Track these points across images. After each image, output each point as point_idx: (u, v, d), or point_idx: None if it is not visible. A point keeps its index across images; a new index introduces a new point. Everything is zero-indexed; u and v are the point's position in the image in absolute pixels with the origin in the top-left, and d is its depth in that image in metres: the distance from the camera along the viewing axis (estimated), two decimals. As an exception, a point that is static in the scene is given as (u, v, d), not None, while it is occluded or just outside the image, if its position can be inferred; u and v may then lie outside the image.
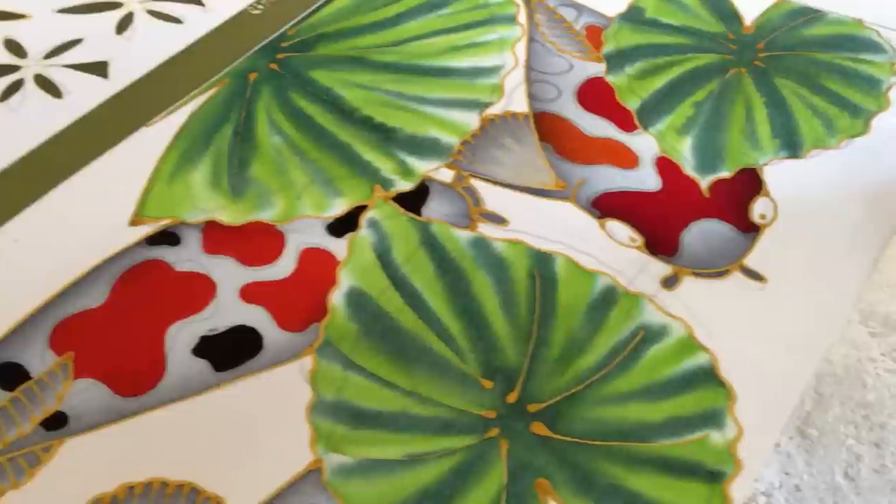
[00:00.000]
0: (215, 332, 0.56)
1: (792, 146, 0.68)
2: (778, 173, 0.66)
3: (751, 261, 0.60)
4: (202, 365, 0.55)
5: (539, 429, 0.52)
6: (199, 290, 0.59)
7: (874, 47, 0.76)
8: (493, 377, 0.54)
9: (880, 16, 0.78)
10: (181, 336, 0.56)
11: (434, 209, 0.64)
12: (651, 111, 0.71)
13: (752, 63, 0.75)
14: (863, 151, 0.67)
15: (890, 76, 0.73)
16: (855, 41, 0.76)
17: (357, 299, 0.58)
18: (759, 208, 0.64)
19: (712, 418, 0.52)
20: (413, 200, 0.64)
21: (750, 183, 0.65)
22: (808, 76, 0.73)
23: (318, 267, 0.60)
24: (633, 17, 0.79)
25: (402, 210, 0.64)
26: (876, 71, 0.74)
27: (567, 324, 0.57)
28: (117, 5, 0.82)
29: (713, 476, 0.50)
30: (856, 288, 0.59)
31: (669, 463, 0.50)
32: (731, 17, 0.78)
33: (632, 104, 0.71)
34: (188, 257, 0.61)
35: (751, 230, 0.62)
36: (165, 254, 0.61)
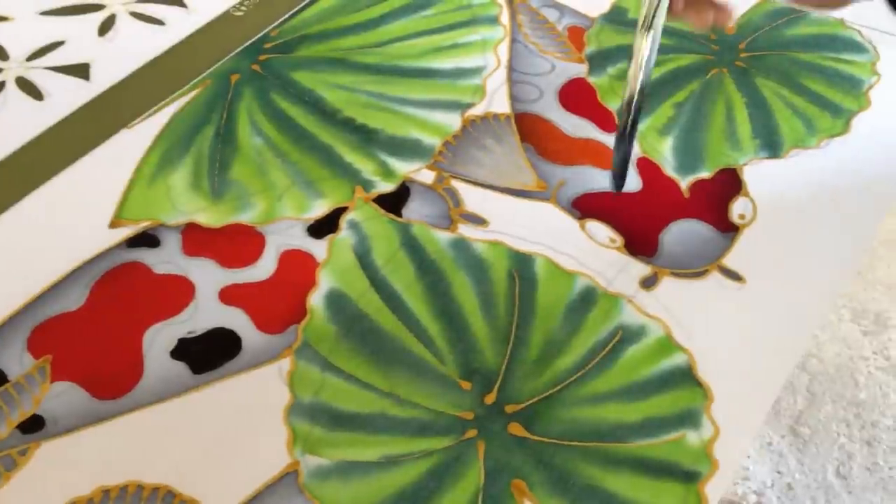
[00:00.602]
0: (194, 335, 0.56)
1: (772, 146, 0.68)
2: (757, 173, 0.66)
3: (729, 261, 0.60)
4: (180, 367, 0.55)
5: (516, 430, 0.52)
6: (177, 293, 0.59)
7: (856, 47, 0.76)
8: (471, 378, 0.54)
9: (862, 16, 0.78)
10: (159, 338, 0.56)
11: (415, 210, 0.64)
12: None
13: (733, 63, 0.75)
14: (843, 151, 0.67)
15: (871, 76, 0.73)
16: (836, 41, 0.76)
17: (336, 301, 0.58)
18: (738, 208, 0.64)
19: (689, 418, 0.52)
20: (394, 202, 0.65)
21: (729, 183, 0.66)
22: (790, 76, 0.73)
23: (297, 268, 0.60)
24: (615, 17, 0.80)
25: (382, 211, 0.64)
26: (857, 71, 0.74)
27: (546, 325, 0.57)
28: (100, 7, 0.81)
29: (689, 476, 0.50)
30: (833, 287, 0.59)
31: (646, 463, 0.50)
32: None
33: (613, 105, 0.72)
34: (167, 259, 0.60)
35: (730, 230, 0.62)
36: (145, 256, 0.61)
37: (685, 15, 0.54)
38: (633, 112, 0.56)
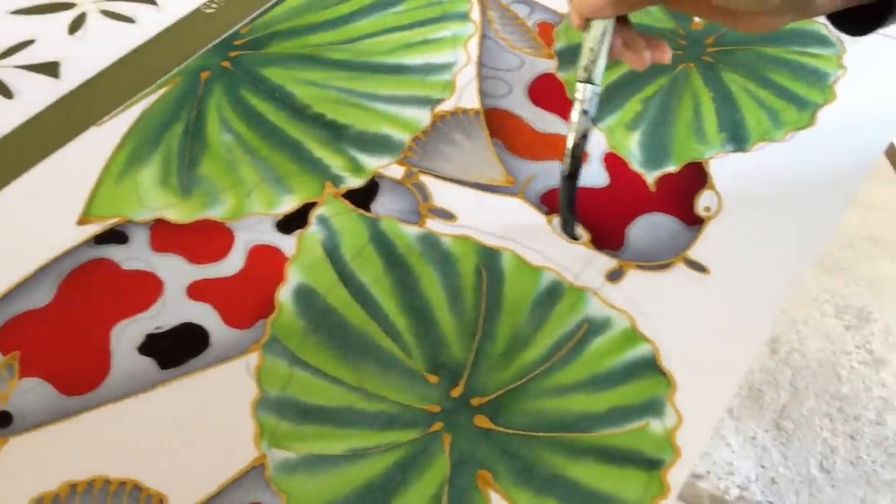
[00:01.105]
0: (161, 330, 0.57)
1: (738, 139, 0.69)
2: (723, 166, 0.67)
3: (694, 253, 0.61)
4: (147, 363, 0.55)
5: (482, 422, 0.53)
6: (145, 289, 0.59)
7: (822, 41, 0.77)
8: (438, 372, 0.55)
9: (827, 10, 0.78)
10: (127, 334, 0.56)
11: (383, 205, 0.64)
12: (601, 107, 0.71)
13: (700, 58, 0.75)
14: (808, 144, 0.68)
15: (837, 69, 0.74)
16: (803, 35, 0.77)
17: (305, 295, 0.58)
18: (703, 201, 0.64)
19: (652, 407, 0.53)
20: (363, 197, 0.65)
21: (695, 177, 0.66)
22: (756, 70, 0.74)
23: (266, 264, 0.60)
24: (584, 13, 0.80)
25: (351, 206, 0.64)
26: (823, 64, 0.75)
27: (512, 319, 0.57)
28: (70, 6, 0.81)
29: (652, 464, 0.50)
30: (795, 277, 0.59)
31: (609, 452, 0.51)
32: (682, 12, 0.79)
33: (581, 100, 0.72)
34: (135, 255, 0.61)
35: (695, 223, 0.63)
36: (112, 252, 0.61)
37: (622, 56, 0.55)
38: (576, 160, 0.57)
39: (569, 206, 0.60)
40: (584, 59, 0.54)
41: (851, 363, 1.86)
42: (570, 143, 0.57)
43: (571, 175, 0.58)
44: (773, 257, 0.61)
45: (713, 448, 1.68)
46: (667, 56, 0.55)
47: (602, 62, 0.54)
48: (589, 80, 0.55)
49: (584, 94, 0.55)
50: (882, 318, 1.91)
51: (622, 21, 0.55)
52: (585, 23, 0.54)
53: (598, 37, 0.53)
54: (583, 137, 0.57)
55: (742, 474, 1.70)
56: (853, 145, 0.68)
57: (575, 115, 0.56)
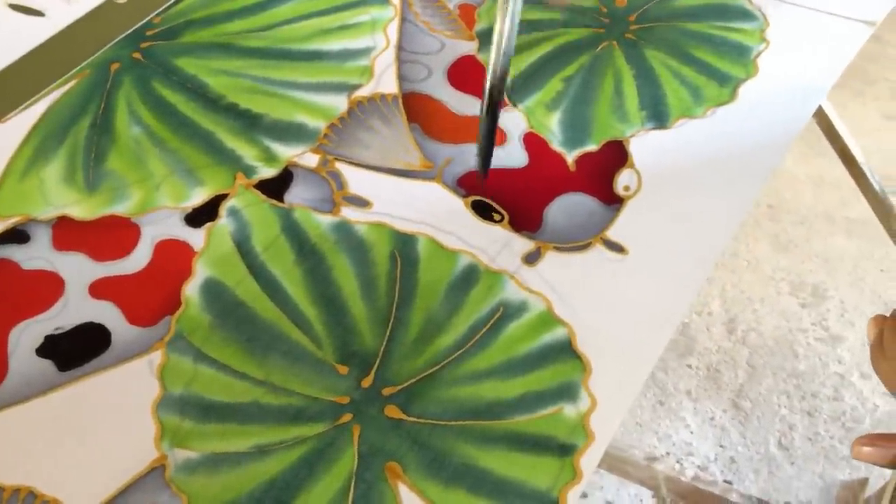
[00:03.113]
0: (61, 331, 0.55)
1: (659, 117, 0.68)
2: (643, 144, 0.66)
3: (612, 233, 0.60)
4: (46, 365, 0.53)
5: (393, 412, 0.51)
6: (46, 289, 0.57)
7: (744, 15, 0.76)
8: (348, 362, 0.53)
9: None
10: (25, 336, 0.54)
11: (297, 195, 0.62)
12: (521, 88, 0.70)
13: (623, 36, 0.74)
14: (728, 119, 0.67)
15: (759, 43, 0.74)
16: (725, 10, 0.76)
17: (213, 290, 0.57)
18: (623, 180, 0.63)
19: (567, 391, 0.52)
20: (276, 187, 0.63)
21: (616, 155, 0.65)
22: (678, 46, 0.73)
23: (173, 259, 0.58)
24: (506, -7, 0.79)
25: (263, 197, 0.62)
26: (745, 38, 0.74)
27: (426, 304, 0.56)
28: (-23, -1, 0.79)
29: (564, 449, 0.49)
30: (713, 255, 0.59)
31: (522, 438, 0.50)
32: None
33: (502, 81, 0.71)
34: (37, 255, 0.58)
35: (614, 202, 0.62)
36: (13, 253, 0.59)
37: None
38: (498, 86, 0.55)
39: (487, 146, 0.58)
40: None
41: (808, 340, 1.87)
42: (490, 70, 0.55)
43: (489, 110, 0.56)
44: (691, 236, 0.60)
45: (672, 430, 1.68)
46: None
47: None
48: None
49: (506, 12, 0.52)
50: (837, 295, 1.92)
51: None
52: None
53: None
54: (500, 79, 0.55)
55: (701, 454, 1.70)
56: (774, 119, 0.67)
57: (496, 38, 0.53)
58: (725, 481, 1.57)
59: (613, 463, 1.45)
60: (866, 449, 0.48)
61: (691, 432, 1.71)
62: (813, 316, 1.94)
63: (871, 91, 2.45)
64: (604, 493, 1.62)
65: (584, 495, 1.60)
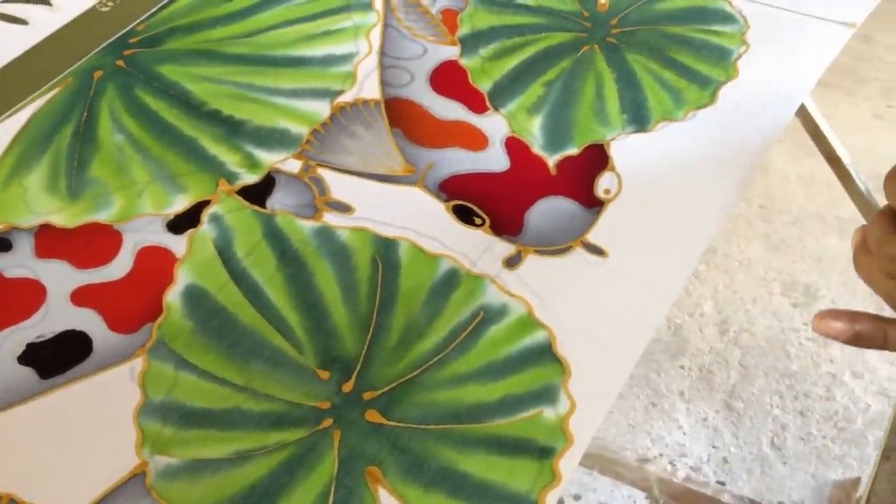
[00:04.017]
0: (43, 339, 0.55)
1: (639, 120, 0.68)
2: (624, 148, 0.66)
3: (593, 236, 0.60)
4: (27, 373, 0.53)
5: (373, 416, 0.51)
6: (28, 297, 0.57)
7: (725, 18, 0.76)
8: (329, 367, 0.54)
9: (732, -13, 0.78)
10: (6, 345, 0.54)
11: (279, 200, 0.63)
12: (503, 92, 0.71)
13: (604, 40, 0.75)
14: (708, 122, 0.68)
15: (739, 46, 0.74)
16: (706, 13, 0.77)
17: (194, 296, 0.57)
18: (604, 183, 0.64)
19: (546, 394, 0.52)
20: (258, 193, 0.63)
21: (596, 159, 0.65)
22: (659, 50, 0.74)
23: (155, 266, 0.59)
24: (489, -2, 0.79)
25: (245, 203, 0.62)
26: (726, 41, 0.74)
27: (407, 309, 0.56)
28: (-39, 8, 0.79)
29: (543, 452, 0.49)
30: (692, 257, 0.59)
31: (501, 442, 0.50)
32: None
33: (484, 86, 0.71)
34: (19, 263, 0.59)
35: (595, 205, 0.62)
36: (-5, 261, 0.59)
37: None
38: None
39: None
40: None
41: (800, 340, 1.88)
42: None
43: None
44: (671, 239, 0.60)
45: (665, 431, 1.68)
46: None
47: None
48: None
49: None
50: (829, 295, 1.93)
51: None
52: None
53: None
54: None
55: (694, 455, 1.71)
56: (754, 121, 0.68)
57: None
58: (718, 482, 1.58)
59: (606, 465, 1.45)
60: (833, 323, 0.47)
61: (684, 433, 1.71)
62: (805, 316, 1.95)
63: (862, 91, 2.45)
64: (597, 495, 1.62)
65: (578, 497, 1.60)
